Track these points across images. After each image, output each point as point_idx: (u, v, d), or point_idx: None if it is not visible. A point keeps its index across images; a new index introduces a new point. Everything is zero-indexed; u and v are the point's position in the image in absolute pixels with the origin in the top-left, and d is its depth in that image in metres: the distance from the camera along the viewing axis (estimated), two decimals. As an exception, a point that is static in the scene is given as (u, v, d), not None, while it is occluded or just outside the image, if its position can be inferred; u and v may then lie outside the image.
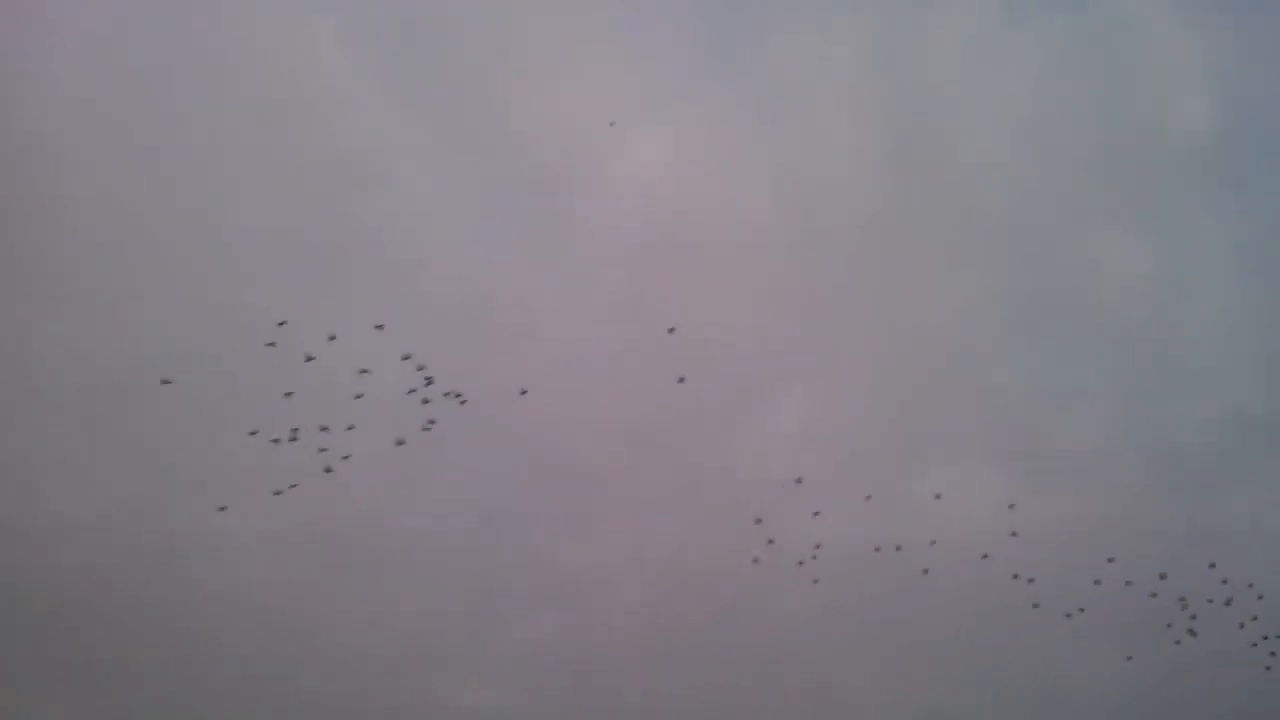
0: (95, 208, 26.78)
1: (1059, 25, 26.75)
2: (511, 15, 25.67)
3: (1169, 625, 30.27)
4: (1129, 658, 32.00)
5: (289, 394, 27.61)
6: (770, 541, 29.58)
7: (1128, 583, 31.57)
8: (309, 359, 26.15)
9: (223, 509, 27.37)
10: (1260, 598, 31.10)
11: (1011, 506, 30.26)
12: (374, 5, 25.06)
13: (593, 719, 31.02)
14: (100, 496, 27.49)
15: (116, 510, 27.59)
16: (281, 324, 26.28)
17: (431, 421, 27.37)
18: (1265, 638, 30.02)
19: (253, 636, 28.77)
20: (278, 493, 26.78)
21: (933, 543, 31.22)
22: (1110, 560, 31.75)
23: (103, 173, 26.57)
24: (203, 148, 26.39)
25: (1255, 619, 31.38)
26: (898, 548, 31.44)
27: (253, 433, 26.62)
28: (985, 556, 30.59)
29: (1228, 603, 31.14)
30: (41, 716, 26.89)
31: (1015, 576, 30.90)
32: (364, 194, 27.12)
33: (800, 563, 30.48)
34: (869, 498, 30.33)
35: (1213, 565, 28.97)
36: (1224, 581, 30.83)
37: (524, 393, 27.97)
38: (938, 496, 30.72)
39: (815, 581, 30.82)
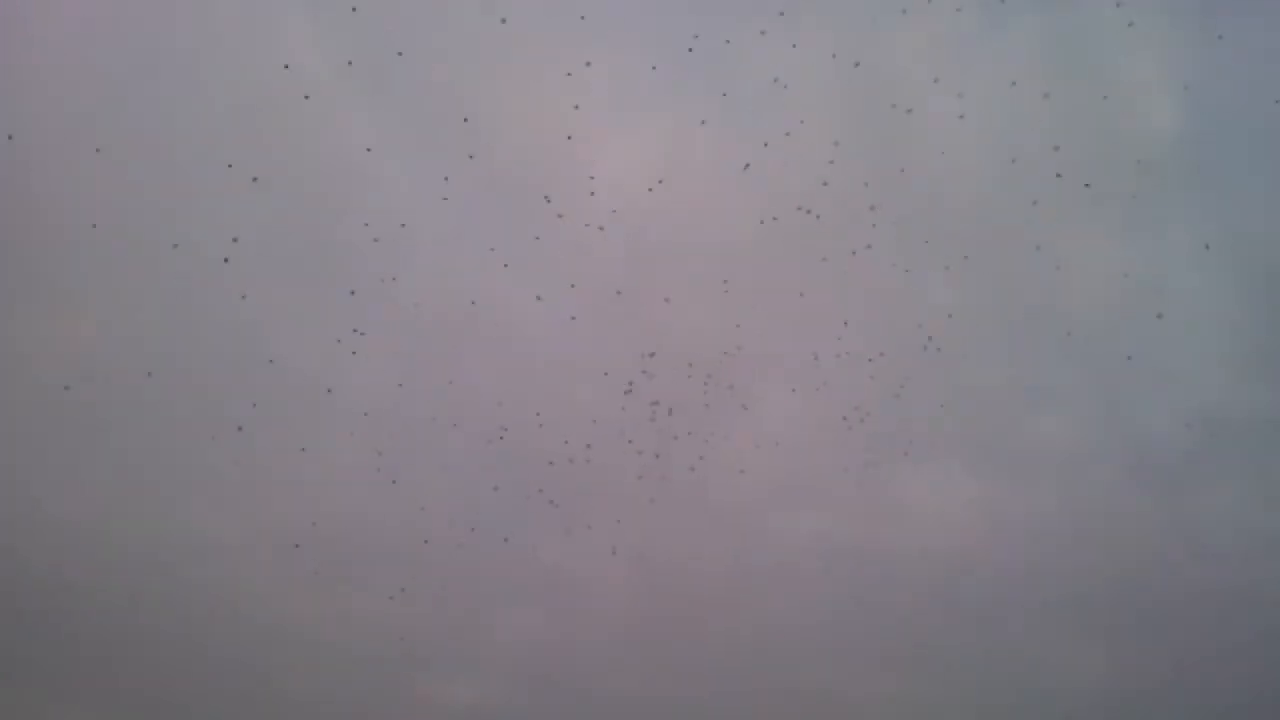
0: (75, 212, 26.87)
1: (1031, 30, 26.97)
2: (487, 23, 25.76)
3: None
4: (1108, 655, 32.44)
5: None
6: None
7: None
8: None
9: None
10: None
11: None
12: (349, 13, 25.10)
13: (576, 715, 31.33)
14: (83, 499, 27.70)
15: (100, 513, 27.81)
16: None
17: None
18: None
19: (236, 637, 29.02)
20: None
21: (911, 541, 31.67)
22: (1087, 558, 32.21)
23: (85, 178, 26.67)
24: (180, 154, 26.50)
25: (1231, 617, 31.83)
26: (877, 547, 31.85)
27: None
28: (952, 554, 31.08)
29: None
30: (27, 717, 27.14)
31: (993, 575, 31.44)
32: (341, 200, 27.29)
33: (776, 546, 30.99)
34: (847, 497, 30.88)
35: None
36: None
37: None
38: (917, 496, 31.21)
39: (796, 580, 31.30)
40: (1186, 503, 31.43)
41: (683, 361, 30.20)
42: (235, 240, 27.29)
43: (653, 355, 30.36)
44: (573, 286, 29.26)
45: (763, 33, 26.13)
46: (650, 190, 28.08)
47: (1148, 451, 31.28)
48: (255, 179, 26.65)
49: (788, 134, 27.21)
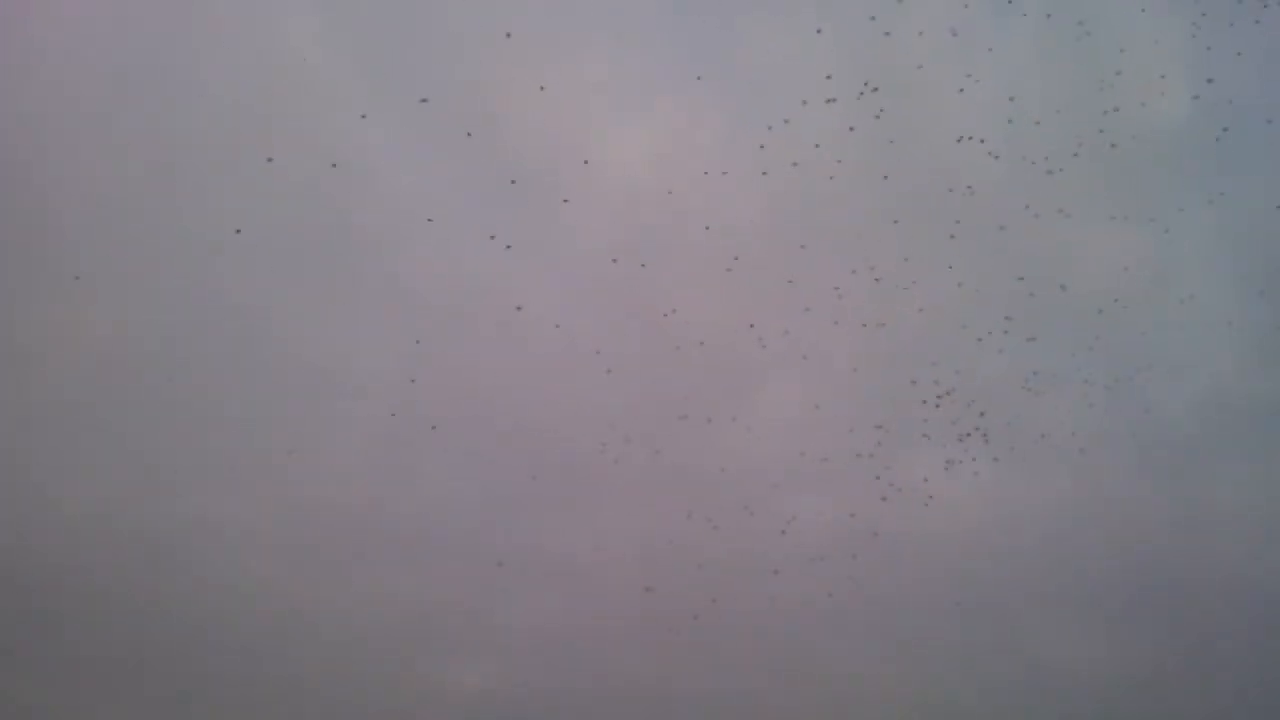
0: (83, 203, 27.07)
1: (1038, 16, 26.81)
2: (493, 9, 25.75)
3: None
4: (1116, 639, 32.46)
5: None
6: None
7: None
8: None
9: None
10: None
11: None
12: (353, 4, 25.16)
13: (590, 698, 31.53)
14: (94, 487, 27.98)
15: (111, 501, 28.10)
16: None
17: None
18: None
19: (250, 623, 29.30)
20: None
21: (919, 526, 31.69)
22: (1095, 542, 32.24)
23: (89, 169, 26.85)
24: (188, 144, 26.65)
25: (1238, 601, 31.81)
26: (886, 531, 31.87)
27: None
28: (962, 537, 31.13)
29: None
30: (38, 707, 27.40)
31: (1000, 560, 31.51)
32: (348, 188, 27.37)
33: (783, 531, 31.10)
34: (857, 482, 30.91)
35: None
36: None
37: None
38: (925, 480, 31.20)
39: (804, 563, 31.37)
40: (1195, 488, 31.42)
41: (690, 348, 30.25)
42: (241, 231, 27.46)
43: (660, 342, 30.44)
44: (576, 272, 29.31)
45: (769, 21, 26.09)
46: (655, 176, 28.12)
47: (1157, 437, 31.27)
48: (261, 169, 26.79)
49: (793, 123, 27.17)
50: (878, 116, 27.18)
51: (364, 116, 25.89)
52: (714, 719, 31.81)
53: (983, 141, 27.54)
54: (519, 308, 28.94)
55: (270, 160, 25.83)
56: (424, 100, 25.81)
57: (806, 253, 29.19)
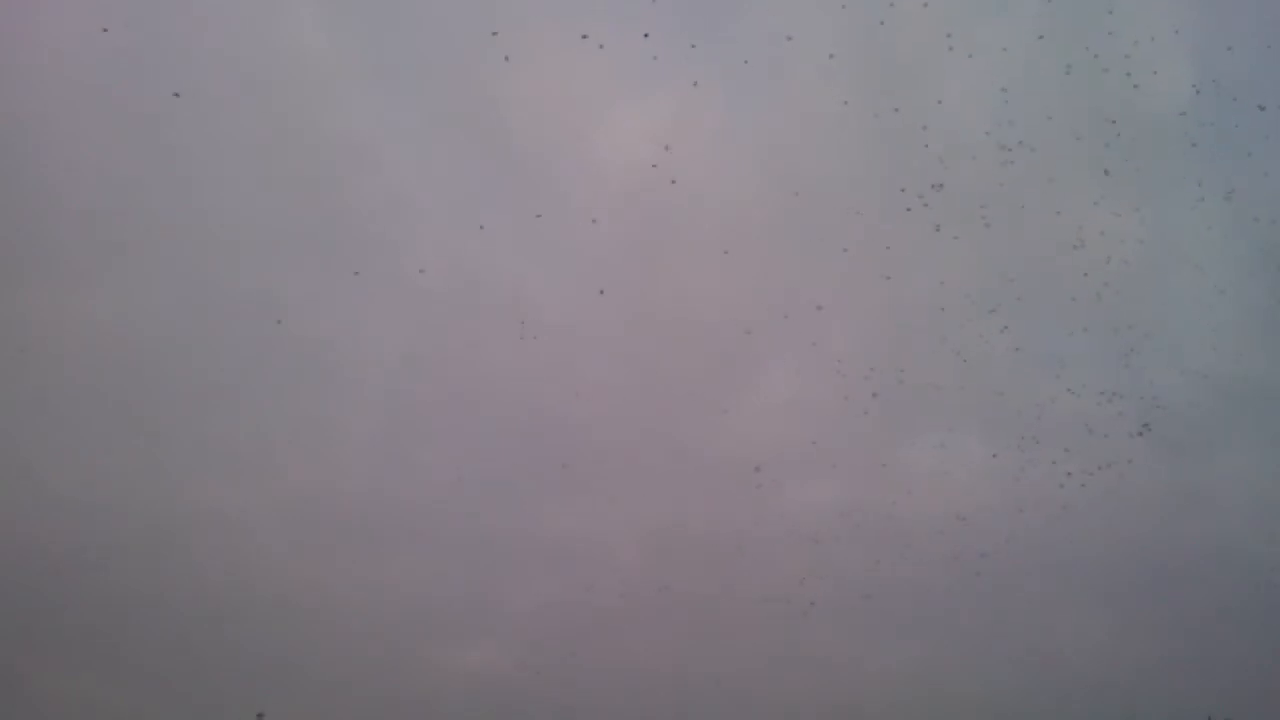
0: (89, 188, 27.14)
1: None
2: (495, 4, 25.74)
3: None
4: (1120, 621, 32.50)
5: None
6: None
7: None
8: None
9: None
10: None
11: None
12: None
13: (591, 680, 31.62)
14: (96, 476, 28.02)
15: (113, 489, 28.16)
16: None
17: None
18: None
19: (252, 609, 29.34)
20: None
21: (923, 509, 31.72)
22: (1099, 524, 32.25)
23: (95, 155, 26.96)
24: (193, 130, 26.70)
25: (1242, 583, 31.83)
26: (889, 514, 31.91)
27: None
28: (965, 520, 31.12)
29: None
30: (39, 694, 27.48)
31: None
32: (350, 175, 27.45)
33: (786, 516, 31.15)
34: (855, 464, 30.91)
35: None
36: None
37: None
38: (926, 465, 31.20)
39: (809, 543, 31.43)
40: (1199, 469, 31.44)
41: (693, 331, 30.32)
42: (248, 217, 27.52)
43: (663, 326, 30.52)
44: (578, 260, 29.35)
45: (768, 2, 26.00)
46: (655, 163, 28.06)
47: (1161, 418, 31.19)
48: (264, 157, 26.85)
49: (793, 105, 27.17)
50: (878, 99, 27.19)
51: (366, 105, 26.02)
52: (716, 702, 31.90)
53: (983, 122, 27.55)
54: (527, 314, 29.09)
55: (277, 148, 25.94)
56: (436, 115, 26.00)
57: (806, 236, 29.26)
